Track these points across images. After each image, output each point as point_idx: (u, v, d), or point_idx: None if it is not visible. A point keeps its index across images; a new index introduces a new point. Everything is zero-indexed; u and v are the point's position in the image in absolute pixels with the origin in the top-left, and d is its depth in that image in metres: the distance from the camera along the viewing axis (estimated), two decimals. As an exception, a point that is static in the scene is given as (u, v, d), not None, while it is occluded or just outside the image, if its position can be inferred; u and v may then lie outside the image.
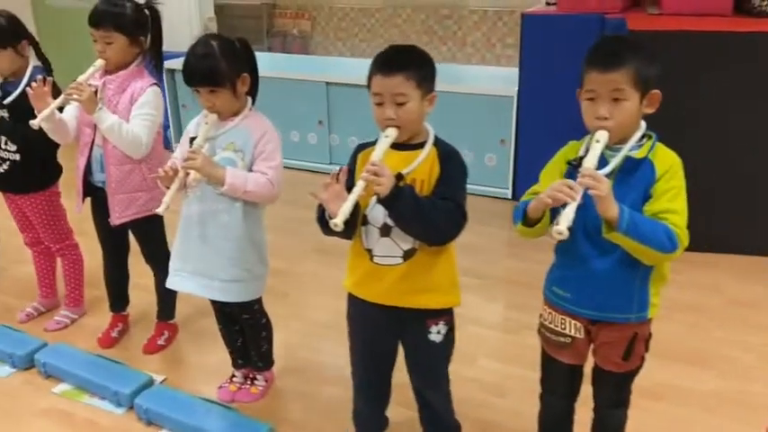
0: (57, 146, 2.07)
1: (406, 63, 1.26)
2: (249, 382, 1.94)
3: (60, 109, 1.86)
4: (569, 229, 1.12)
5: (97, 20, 1.79)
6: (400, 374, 1.51)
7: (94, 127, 1.87)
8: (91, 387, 1.95)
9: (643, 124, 1.29)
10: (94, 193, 1.99)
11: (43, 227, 2.20)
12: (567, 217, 1.12)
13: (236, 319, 1.83)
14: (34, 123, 1.77)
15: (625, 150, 1.24)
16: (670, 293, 1.32)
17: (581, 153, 1.29)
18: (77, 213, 2.05)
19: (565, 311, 1.36)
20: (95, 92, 1.81)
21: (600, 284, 1.29)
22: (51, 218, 2.20)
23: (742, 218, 2.70)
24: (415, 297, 1.34)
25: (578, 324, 1.35)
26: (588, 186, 1.14)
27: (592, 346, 1.39)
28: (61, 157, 2.18)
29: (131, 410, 1.86)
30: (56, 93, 1.87)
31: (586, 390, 1.45)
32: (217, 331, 1.90)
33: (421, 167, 1.29)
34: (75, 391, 1.97)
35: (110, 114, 1.80)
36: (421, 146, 1.31)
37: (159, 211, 1.52)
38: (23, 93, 1.97)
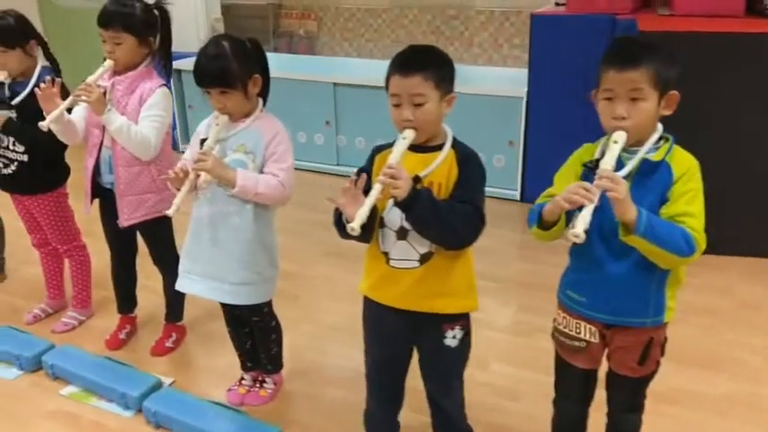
0: (64, 147, 2.06)
1: (425, 63, 1.24)
2: (258, 385, 1.93)
3: (69, 110, 1.85)
4: (586, 231, 1.10)
5: (106, 20, 1.78)
6: (412, 378, 1.49)
7: (103, 128, 1.86)
8: (99, 389, 1.94)
9: (660, 126, 1.27)
10: (103, 194, 1.98)
11: (51, 228, 2.20)
12: (583, 220, 1.11)
13: (245, 321, 1.82)
14: (43, 125, 1.76)
15: (642, 152, 1.22)
16: (682, 296, 1.31)
17: (597, 155, 1.27)
18: (86, 215, 2.04)
19: (579, 316, 1.34)
20: (104, 93, 1.80)
21: (615, 288, 1.27)
22: (59, 219, 2.19)
23: (753, 219, 2.68)
24: (432, 301, 1.32)
25: (593, 328, 1.33)
26: (606, 189, 1.12)
27: (606, 350, 1.38)
28: (69, 158, 2.18)
29: (140, 413, 1.85)
30: (64, 94, 1.87)
31: (599, 394, 1.44)
32: (225, 333, 1.89)
33: (439, 170, 1.28)
34: (82, 394, 1.96)
35: (119, 116, 1.79)
36: (439, 148, 1.30)
37: (169, 212, 1.50)
38: (32, 93, 1.97)
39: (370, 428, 1.57)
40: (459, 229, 1.25)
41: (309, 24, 5.12)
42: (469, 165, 1.29)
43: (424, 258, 1.30)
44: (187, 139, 4.21)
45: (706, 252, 1.21)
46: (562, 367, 1.43)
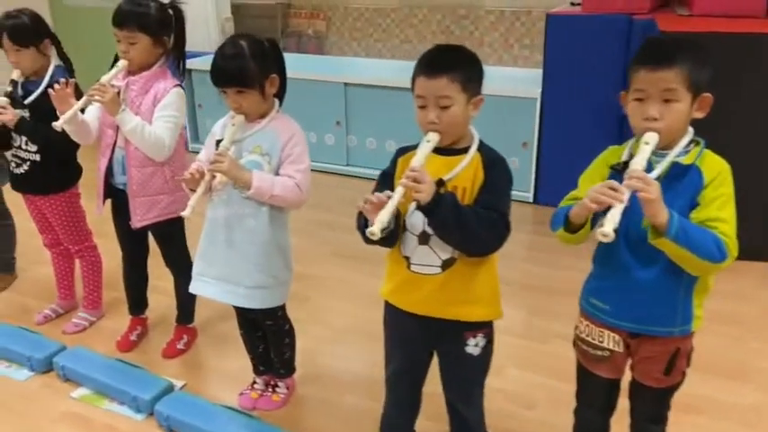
0: (77, 147, 2.04)
1: (452, 64, 1.21)
2: (270, 390, 1.90)
3: (82, 110, 1.83)
4: (615, 231, 1.06)
5: (121, 20, 1.76)
6: (426, 384, 1.46)
7: (116, 128, 1.85)
8: (110, 392, 1.92)
9: (691, 130, 1.23)
10: (115, 195, 1.97)
11: (62, 228, 2.18)
12: (612, 218, 1.07)
13: (258, 324, 1.80)
14: (57, 125, 1.74)
15: (672, 155, 1.19)
16: (705, 303, 1.27)
17: (624, 157, 1.24)
18: (98, 215, 2.02)
19: (603, 324, 1.31)
20: (118, 93, 1.78)
21: (641, 296, 1.24)
22: (71, 219, 2.18)
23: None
24: (454, 308, 1.29)
25: (617, 337, 1.30)
26: (637, 189, 1.08)
27: (630, 360, 1.34)
28: (81, 157, 2.16)
29: (151, 417, 1.83)
30: (78, 94, 1.85)
31: (622, 402, 1.40)
32: (237, 336, 1.87)
33: (464, 174, 1.24)
34: (94, 396, 1.95)
35: (133, 116, 1.78)
36: (465, 151, 1.26)
37: (185, 214, 1.48)
38: (44, 92, 1.95)
39: (386, 434, 1.54)
40: (482, 235, 1.21)
41: (318, 24, 5.10)
42: (496, 169, 1.25)
43: (447, 264, 1.27)
44: (196, 139, 4.20)
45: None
46: (584, 376, 1.40)
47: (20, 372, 2.06)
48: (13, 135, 2.06)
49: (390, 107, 3.50)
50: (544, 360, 2.06)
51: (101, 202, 1.98)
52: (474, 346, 1.33)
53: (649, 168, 1.17)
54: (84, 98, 1.78)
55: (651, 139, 1.16)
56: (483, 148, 1.28)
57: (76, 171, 2.18)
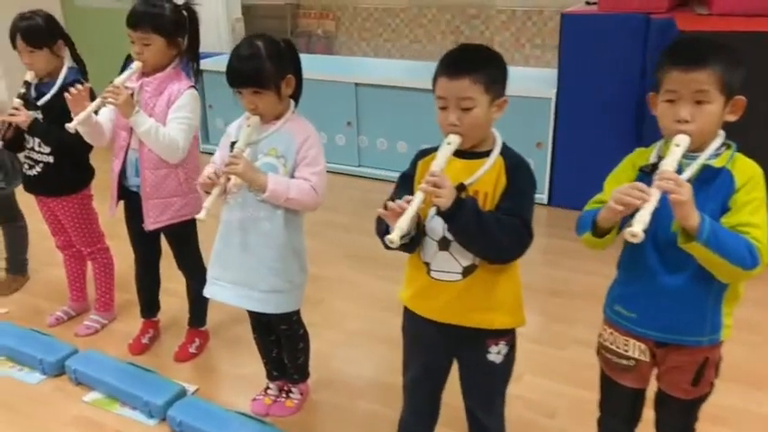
0: (89, 148, 2.03)
1: (474, 65, 1.17)
2: (284, 395, 1.88)
3: (96, 112, 1.82)
4: (645, 231, 1.03)
5: (135, 21, 1.74)
6: (444, 392, 1.43)
7: (130, 130, 1.83)
8: (122, 396, 1.91)
9: (722, 133, 1.19)
10: (128, 197, 1.95)
11: (75, 230, 2.17)
12: (642, 218, 1.04)
13: (272, 329, 1.77)
14: (70, 127, 1.73)
15: (702, 158, 1.15)
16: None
17: (652, 159, 1.20)
18: (110, 217, 2.01)
19: (628, 332, 1.27)
20: (132, 95, 1.76)
21: (669, 303, 1.20)
22: (83, 221, 2.17)
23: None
24: (475, 315, 1.25)
25: (643, 346, 1.26)
26: (668, 190, 1.05)
27: (656, 369, 1.30)
28: (93, 159, 2.15)
29: (164, 422, 1.81)
30: (91, 96, 1.83)
31: (647, 413, 1.36)
32: (250, 340, 1.84)
33: (485, 178, 1.21)
34: (106, 400, 1.93)
35: (146, 118, 1.76)
36: (486, 154, 1.23)
37: (200, 216, 1.46)
38: (58, 94, 1.94)
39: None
40: (504, 242, 1.17)
41: (327, 24, 5.08)
42: (519, 174, 1.21)
43: (468, 271, 1.23)
44: (207, 139, 4.18)
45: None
46: (608, 385, 1.36)
47: (32, 375, 2.05)
48: (26, 137, 2.05)
49: (402, 108, 3.46)
50: (562, 367, 2.02)
51: (114, 203, 1.96)
52: (496, 353, 1.30)
53: (679, 171, 1.13)
54: (97, 100, 1.77)
55: (682, 141, 1.12)
56: (506, 151, 1.24)
57: (89, 173, 2.17)
